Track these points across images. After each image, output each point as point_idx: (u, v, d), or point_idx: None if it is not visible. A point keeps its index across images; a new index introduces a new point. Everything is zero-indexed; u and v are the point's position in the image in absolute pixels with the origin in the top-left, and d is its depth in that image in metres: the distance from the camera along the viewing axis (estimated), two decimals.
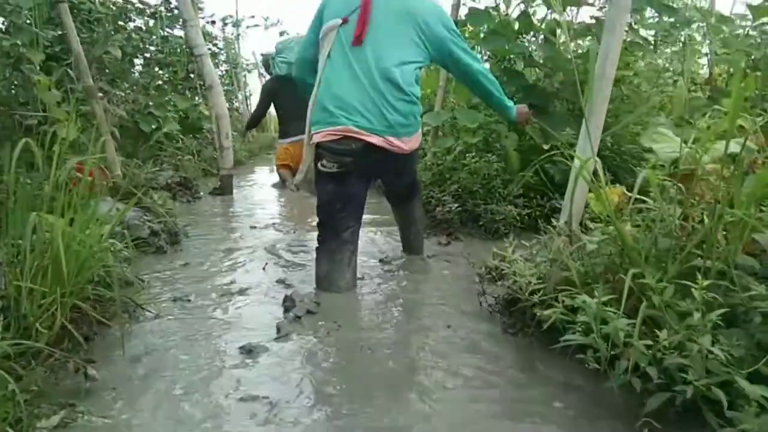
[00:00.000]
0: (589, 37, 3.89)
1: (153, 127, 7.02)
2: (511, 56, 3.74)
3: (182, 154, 6.63)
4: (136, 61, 7.78)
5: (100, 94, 5.40)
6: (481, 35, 3.73)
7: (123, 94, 7.13)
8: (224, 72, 14.21)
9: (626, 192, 1.86)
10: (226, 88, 14.57)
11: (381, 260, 2.78)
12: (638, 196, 1.73)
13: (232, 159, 5.52)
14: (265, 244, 3.17)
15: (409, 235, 2.89)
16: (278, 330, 1.85)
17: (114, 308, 1.91)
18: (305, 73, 2.50)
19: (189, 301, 2.19)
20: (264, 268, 2.59)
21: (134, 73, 7.46)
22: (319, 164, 2.26)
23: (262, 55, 6.78)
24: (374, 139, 2.19)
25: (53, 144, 3.28)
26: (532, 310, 1.68)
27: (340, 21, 2.24)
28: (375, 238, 3.38)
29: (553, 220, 3.19)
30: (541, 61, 3.80)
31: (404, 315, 2.08)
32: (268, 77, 6.00)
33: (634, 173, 2.33)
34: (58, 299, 1.57)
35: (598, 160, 1.83)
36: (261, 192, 6.29)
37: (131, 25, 7.48)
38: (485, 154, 3.47)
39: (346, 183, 2.27)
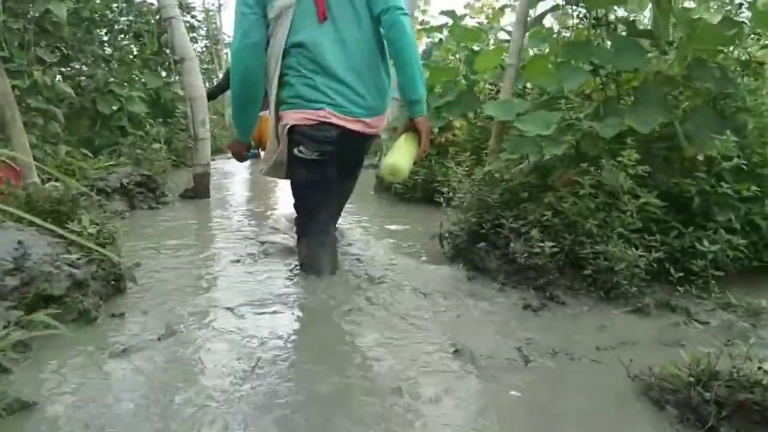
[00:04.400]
0: None
1: (114, 108, 5.81)
2: (610, 21, 2.63)
3: (147, 143, 5.40)
4: (100, 31, 6.52)
5: (38, 66, 4.19)
6: None
7: (78, 68, 5.89)
8: (203, 48, 12.93)
9: None
10: (205, 66, 13.32)
11: (454, 351, 1.66)
12: None
13: (209, 153, 4.35)
14: (243, 295, 2.05)
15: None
16: None
17: None
18: (259, 59, 2.11)
19: None
20: (254, 369, 1.45)
21: (95, 44, 6.18)
22: (295, 150, 2.11)
23: None
24: (354, 125, 2.09)
25: None
26: None
27: None
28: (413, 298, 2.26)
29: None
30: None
31: None
32: None
33: None
34: None
35: None
36: (245, 191, 5.13)
37: None
38: (578, 166, 2.36)
39: (323, 167, 2.15)
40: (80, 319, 1.79)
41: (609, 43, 2.43)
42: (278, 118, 2.15)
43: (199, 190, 4.35)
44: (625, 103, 2.55)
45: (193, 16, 9.94)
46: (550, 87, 2.53)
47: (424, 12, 8.33)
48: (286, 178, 2.29)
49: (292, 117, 2.07)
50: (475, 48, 4.83)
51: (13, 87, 3.69)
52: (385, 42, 2.10)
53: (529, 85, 4.10)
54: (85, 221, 2.10)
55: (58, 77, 4.97)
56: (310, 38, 2.02)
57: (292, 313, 1.94)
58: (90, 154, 4.30)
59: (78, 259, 1.98)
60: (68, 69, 5.72)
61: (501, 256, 2.29)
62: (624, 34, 2.54)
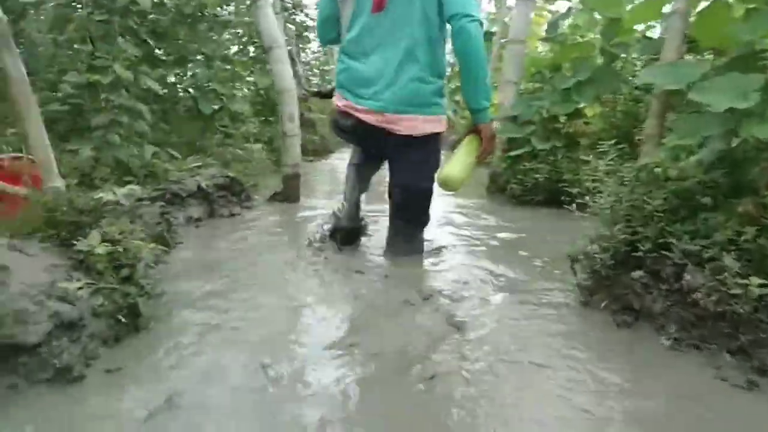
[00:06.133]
0: None
1: (214, 107, 5.57)
2: None
3: (242, 142, 5.07)
4: (209, 30, 6.36)
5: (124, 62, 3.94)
6: None
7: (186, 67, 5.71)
8: (319, 48, 12.76)
9: None
10: (320, 68, 13.19)
11: None
12: None
13: (298, 151, 3.87)
14: (289, 345, 1.45)
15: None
16: None
17: None
18: (331, 32, 2.30)
19: None
20: None
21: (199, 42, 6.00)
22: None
23: None
24: (368, 117, 2.11)
25: None
26: None
27: None
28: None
29: None
30: None
31: None
32: None
33: None
34: None
35: None
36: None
37: None
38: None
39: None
40: (57, 378, 1.30)
41: None
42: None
43: (289, 194, 3.89)
44: None
45: (306, 14, 9.74)
46: (744, 37, 1.69)
47: None
48: None
49: (336, 99, 2.23)
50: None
51: (95, 82, 3.45)
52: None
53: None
54: (93, 238, 1.62)
55: (165, 75, 4.79)
56: (361, 25, 2.09)
57: (352, 376, 1.32)
58: (177, 155, 3.99)
59: (79, 288, 1.51)
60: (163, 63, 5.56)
61: (669, 294, 1.51)
62: None
